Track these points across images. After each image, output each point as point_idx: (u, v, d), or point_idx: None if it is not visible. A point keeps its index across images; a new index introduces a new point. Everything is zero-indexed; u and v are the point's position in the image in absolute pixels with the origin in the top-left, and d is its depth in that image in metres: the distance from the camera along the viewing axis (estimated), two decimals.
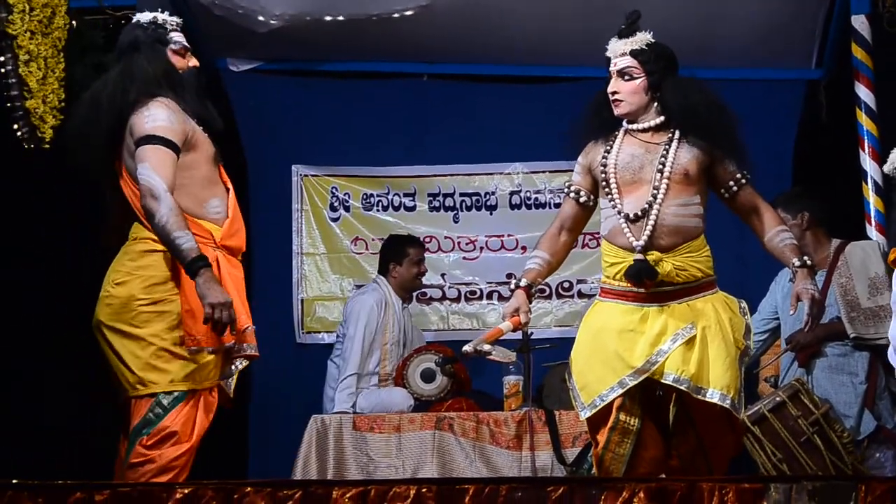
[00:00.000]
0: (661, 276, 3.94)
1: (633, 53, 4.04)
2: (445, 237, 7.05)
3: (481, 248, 7.05)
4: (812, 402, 5.05)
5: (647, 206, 3.96)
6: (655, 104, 4.07)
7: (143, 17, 4.23)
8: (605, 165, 4.05)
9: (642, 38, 4.06)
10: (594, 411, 3.96)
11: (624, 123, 4.11)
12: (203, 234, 4.04)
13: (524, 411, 5.47)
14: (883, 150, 5.82)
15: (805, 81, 6.82)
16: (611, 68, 4.09)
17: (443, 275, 7.02)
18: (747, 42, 6.50)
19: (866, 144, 5.81)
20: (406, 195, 7.07)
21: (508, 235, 7.04)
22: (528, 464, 5.34)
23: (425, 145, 7.09)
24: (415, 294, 6.91)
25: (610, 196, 4.03)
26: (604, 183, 4.05)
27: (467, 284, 7.04)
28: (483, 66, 7.01)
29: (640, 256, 3.94)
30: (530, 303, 4.10)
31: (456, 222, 7.08)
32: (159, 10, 4.24)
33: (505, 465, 5.38)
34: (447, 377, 5.90)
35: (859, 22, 5.88)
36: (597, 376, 3.97)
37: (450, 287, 7.03)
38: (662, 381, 3.92)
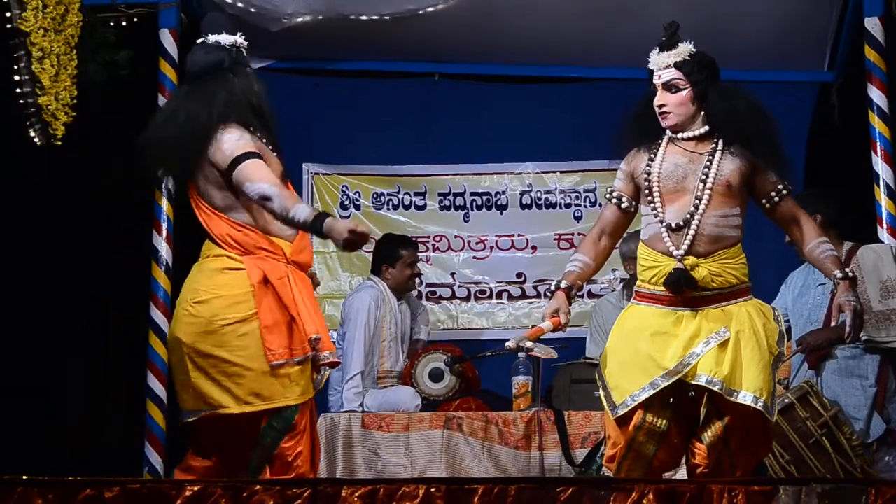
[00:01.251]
0: (698, 282, 3.97)
1: (678, 65, 4.05)
2: (455, 236, 7.06)
3: (491, 248, 7.06)
4: (821, 405, 5.04)
5: (688, 216, 3.99)
6: (702, 114, 4.08)
7: (225, 39, 4.26)
8: (648, 174, 4.07)
9: (685, 49, 4.07)
10: (625, 411, 4.00)
11: (668, 132, 4.12)
12: (275, 251, 4.12)
13: (533, 411, 5.46)
14: (895, 153, 5.81)
15: (817, 84, 6.82)
16: (655, 81, 4.09)
17: (452, 274, 7.03)
18: (760, 44, 6.50)
19: (878, 147, 5.80)
20: (417, 194, 7.07)
21: (518, 235, 7.04)
22: (537, 464, 5.33)
23: (436, 144, 7.10)
24: (424, 293, 6.92)
25: (653, 205, 4.06)
26: (647, 191, 4.07)
27: (477, 284, 7.04)
28: (494, 66, 7.02)
29: (679, 265, 3.97)
30: (570, 304, 4.12)
31: (466, 221, 7.09)
32: (221, 30, 4.27)
33: (513, 466, 5.37)
34: (456, 377, 5.89)
35: (872, 24, 5.86)
36: (629, 377, 4.00)
37: (459, 286, 7.03)
38: (695, 382, 3.95)
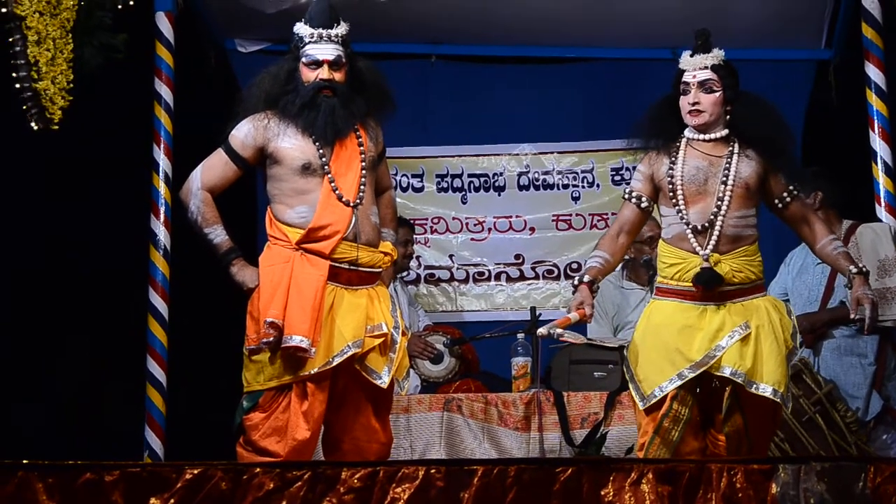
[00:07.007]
0: (724, 278, 4.18)
1: (714, 68, 4.27)
2: (453, 218, 7.05)
3: (489, 229, 7.05)
4: (815, 382, 5.06)
5: (712, 217, 4.21)
6: (726, 117, 4.29)
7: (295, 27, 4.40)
8: (671, 177, 4.27)
9: (719, 54, 4.29)
10: (654, 401, 4.20)
11: (686, 133, 4.32)
12: (281, 238, 4.24)
13: (532, 392, 5.46)
14: (893, 131, 5.81)
15: (815, 62, 6.80)
16: (688, 80, 4.28)
17: (451, 256, 7.02)
18: (757, 22, 6.48)
19: (876, 125, 5.79)
20: (414, 176, 7.06)
21: (517, 216, 7.03)
22: (537, 445, 5.33)
23: (433, 126, 7.08)
24: (423, 275, 6.91)
25: (677, 207, 4.25)
26: (671, 194, 4.27)
27: (475, 265, 7.03)
28: (491, 47, 7.00)
29: (706, 265, 4.18)
30: (593, 297, 4.28)
31: (464, 203, 7.08)
32: (304, 20, 4.40)
33: (513, 447, 5.38)
34: (455, 359, 5.89)
35: (870, 2, 5.84)
36: (657, 369, 4.21)
37: (458, 268, 7.03)
38: (719, 373, 4.17)
